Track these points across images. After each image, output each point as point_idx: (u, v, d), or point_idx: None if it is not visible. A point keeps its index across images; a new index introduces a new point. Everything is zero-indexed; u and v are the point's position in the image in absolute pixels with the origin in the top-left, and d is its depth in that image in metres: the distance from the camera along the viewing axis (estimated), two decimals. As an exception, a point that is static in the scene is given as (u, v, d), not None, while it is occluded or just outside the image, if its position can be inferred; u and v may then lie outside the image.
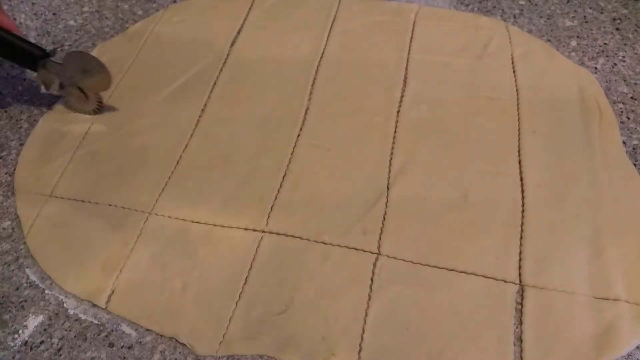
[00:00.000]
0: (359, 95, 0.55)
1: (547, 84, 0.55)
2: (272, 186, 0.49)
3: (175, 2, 0.69)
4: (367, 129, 0.52)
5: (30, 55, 0.53)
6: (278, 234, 0.46)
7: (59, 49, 0.55)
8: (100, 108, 0.56)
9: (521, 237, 0.45)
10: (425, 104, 0.54)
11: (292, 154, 0.51)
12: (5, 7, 0.67)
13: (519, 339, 0.40)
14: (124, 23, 0.67)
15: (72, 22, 0.67)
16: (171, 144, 0.53)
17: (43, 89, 0.56)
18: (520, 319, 0.41)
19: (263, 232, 0.46)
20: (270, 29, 0.63)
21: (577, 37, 0.61)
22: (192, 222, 0.47)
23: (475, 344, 0.39)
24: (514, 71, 0.57)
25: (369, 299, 0.42)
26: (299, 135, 0.53)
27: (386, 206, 0.47)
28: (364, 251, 0.44)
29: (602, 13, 0.64)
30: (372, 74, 0.57)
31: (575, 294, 0.41)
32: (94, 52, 0.63)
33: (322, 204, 0.47)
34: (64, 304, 0.43)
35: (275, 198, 0.48)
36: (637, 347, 0.39)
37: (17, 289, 0.45)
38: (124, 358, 0.40)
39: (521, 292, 0.42)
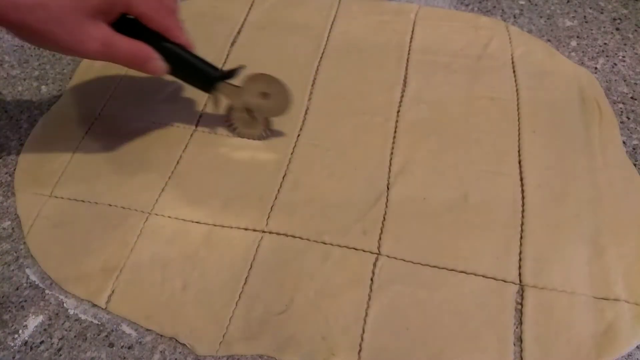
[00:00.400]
0: (359, 95, 0.55)
1: (547, 84, 0.55)
2: (272, 186, 0.49)
3: (175, 2, 0.69)
4: (367, 129, 0.52)
5: (207, 77, 0.49)
6: (278, 234, 0.46)
7: (240, 70, 0.49)
8: (268, 134, 0.52)
9: (521, 237, 0.45)
10: (425, 104, 0.54)
11: (292, 154, 0.51)
12: (5, 7, 0.67)
13: (519, 339, 0.40)
14: (124, 23, 0.67)
15: (72, 22, 0.67)
16: (171, 143, 0.53)
17: (210, 109, 0.54)
18: (520, 319, 0.41)
19: (263, 232, 0.46)
20: (270, 29, 0.63)
21: (577, 37, 0.61)
22: (192, 222, 0.47)
23: (475, 344, 0.39)
24: (514, 71, 0.57)
25: (369, 299, 0.42)
26: (299, 135, 0.53)
27: (386, 206, 0.47)
28: (364, 251, 0.44)
29: (602, 13, 0.64)
30: (372, 74, 0.57)
31: (575, 294, 0.41)
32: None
33: (322, 204, 0.47)
34: (64, 304, 0.43)
35: (275, 198, 0.48)
36: (637, 347, 0.39)
37: (17, 289, 0.45)
38: (124, 358, 0.40)
39: (521, 292, 0.42)
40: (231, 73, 0.49)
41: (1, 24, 0.38)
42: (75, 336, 0.42)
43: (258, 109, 0.50)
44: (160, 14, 0.44)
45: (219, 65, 0.60)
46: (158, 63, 0.45)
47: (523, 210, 0.46)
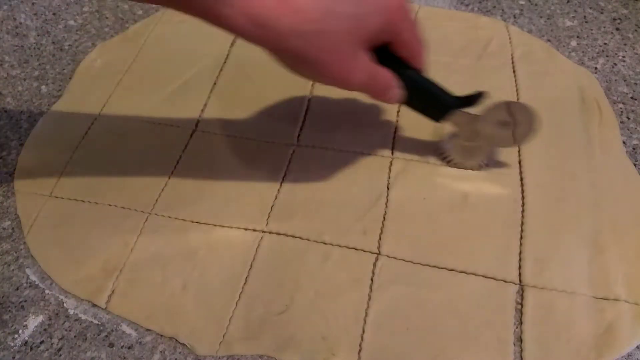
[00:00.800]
0: (359, 95, 0.55)
1: (547, 84, 0.55)
2: (272, 186, 0.49)
3: (175, 2, 0.69)
4: (367, 129, 0.52)
5: (444, 105, 0.43)
6: (278, 234, 0.46)
7: (480, 98, 0.43)
8: (485, 165, 0.48)
9: (521, 237, 0.45)
10: (425, 104, 0.54)
11: (292, 154, 0.51)
12: (5, 7, 0.67)
13: (519, 339, 0.40)
14: (124, 23, 0.67)
15: (72, 22, 0.67)
16: (171, 144, 0.53)
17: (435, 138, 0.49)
18: (520, 319, 0.40)
19: (263, 232, 0.46)
20: (270, 29, 0.63)
21: (577, 37, 0.61)
22: (192, 222, 0.47)
23: (475, 344, 0.39)
24: (514, 71, 0.57)
25: (369, 299, 0.42)
26: (299, 135, 0.53)
27: (386, 206, 0.47)
28: (364, 251, 0.44)
29: (602, 13, 0.64)
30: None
31: (576, 294, 0.41)
32: (94, 52, 0.63)
33: (322, 204, 0.47)
34: (64, 304, 0.43)
35: (275, 198, 0.48)
36: (637, 347, 0.39)
37: (17, 289, 0.45)
38: (124, 358, 0.40)
39: (521, 292, 0.42)
40: (470, 100, 0.43)
41: (277, 50, 0.35)
42: (75, 336, 0.42)
43: (490, 139, 0.45)
44: (415, 41, 0.40)
45: (219, 66, 0.60)
46: (397, 92, 0.41)
47: (523, 210, 0.46)
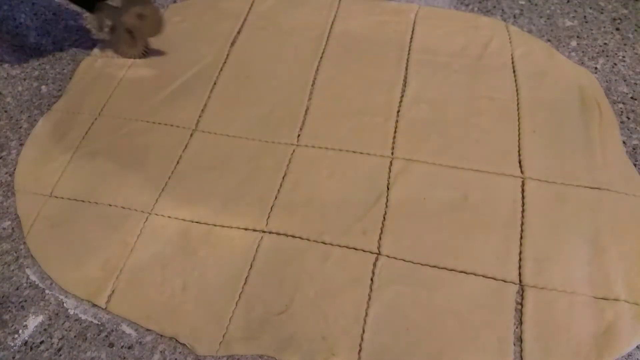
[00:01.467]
0: (359, 95, 0.55)
1: (547, 84, 0.55)
2: (272, 186, 0.49)
3: (175, 2, 0.69)
4: (367, 129, 0.52)
5: None
6: (278, 234, 0.46)
7: None
8: (147, 53, 0.59)
9: (521, 237, 0.45)
10: (426, 104, 0.54)
11: (292, 153, 0.51)
12: (5, 7, 0.67)
13: (519, 339, 0.40)
14: (124, 23, 0.67)
15: (72, 22, 0.67)
16: (171, 144, 0.53)
17: (94, 31, 0.59)
18: (520, 319, 0.40)
19: (263, 232, 0.46)
20: (270, 29, 0.63)
21: (577, 37, 0.61)
22: (192, 222, 0.47)
23: (475, 344, 0.39)
24: (514, 71, 0.57)
25: (369, 299, 0.42)
26: (299, 135, 0.53)
27: (386, 206, 0.47)
28: (364, 251, 0.44)
29: (602, 13, 0.64)
30: (372, 74, 0.57)
31: (576, 294, 0.41)
32: (94, 52, 0.63)
33: (322, 204, 0.47)
34: (64, 304, 0.43)
35: (275, 198, 0.48)
36: (637, 347, 0.39)
37: (17, 289, 0.45)
38: (124, 358, 0.40)
39: (521, 292, 0.42)
40: None
41: None
42: (75, 336, 0.42)
43: (136, 30, 0.57)
44: None
45: (219, 66, 0.60)
46: None
47: (523, 210, 0.46)
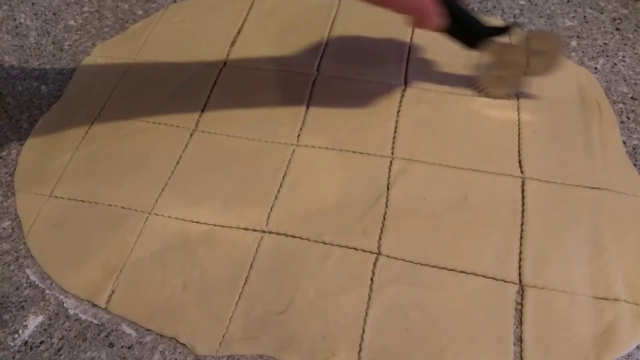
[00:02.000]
0: (359, 95, 0.55)
1: (547, 84, 0.55)
2: (272, 186, 0.49)
3: (175, 2, 0.69)
4: (367, 129, 0.52)
5: (480, 33, 0.48)
6: (278, 234, 0.46)
7: (511, 28, 0.48)
8: (516, 93, 0.52)
9: (521, 237, 0.45)
10: (425, 104, 0.54)
11: (292, 154, 0.51)
12: (5, 7, 0.67)
13: (519, 339, 0.40)
14: (124, 23, 0.67)
15: (72, 22, 0.67)
16: (171, 144, 0.53)
17: (467, 69, 0.52)
18: (520, 319, 0.41)
19: (263, 232, 0.46)
20: (270, 29, 0.63)
21: (577, 37, 0.61)
22: (192, 222, 0.47)
23: (475, 344, 0.39)
24: (514, 71, 0.57)
25: (369, 299, 0.42)
26: (299, 135, 0.53)
27: (386, 206, 0.47)
28: (364, 251, 0.44)
29: (602, 13, 0.64)
30: (372, 73, 0.57)
31: (575, 294, 0.41)
32: (94, 52, 0.63)
33: (322, 204, 0.47)
34: (64, 304, 0.43)
35: (275, 198, 0.48)
36: (637, 347, 0.39)
37: (17, 289, 0.45)
38: (124, 358, 0.40)
39: (521, 292, 0.42)
40: (502, 30, 0.48)
41: None
42: (75, 336, 0.42)
43: (521, 68, 0.50)
44: None
45: (219, 66, 0.60)
46: (439, 19, 0.45)
47: (523, 210, 0.46)
